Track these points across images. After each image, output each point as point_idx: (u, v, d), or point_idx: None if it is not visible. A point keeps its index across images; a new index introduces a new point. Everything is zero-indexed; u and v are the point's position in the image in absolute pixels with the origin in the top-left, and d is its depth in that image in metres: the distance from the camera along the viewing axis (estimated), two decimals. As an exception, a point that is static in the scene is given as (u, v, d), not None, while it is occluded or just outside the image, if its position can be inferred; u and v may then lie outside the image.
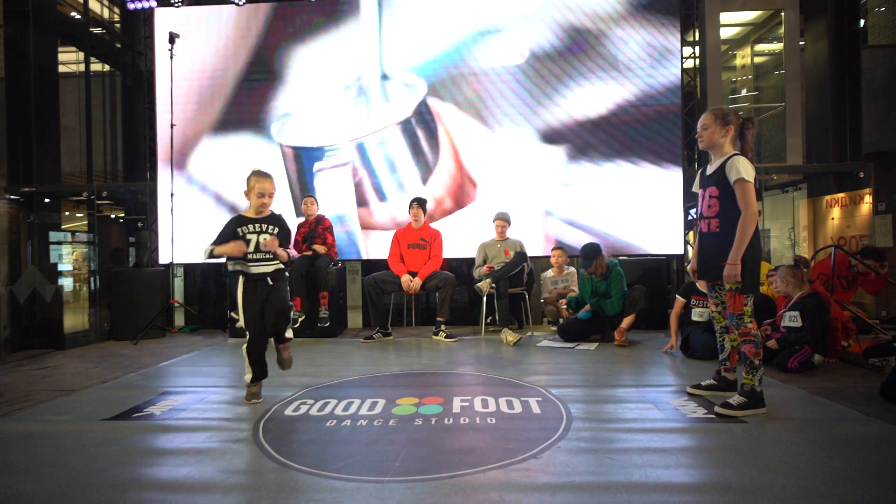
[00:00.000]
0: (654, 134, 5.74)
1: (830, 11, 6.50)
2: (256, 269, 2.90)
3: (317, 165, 5.97)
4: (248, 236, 2.89)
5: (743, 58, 8.64)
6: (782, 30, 6.81)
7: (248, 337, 2.93)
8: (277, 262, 2.94)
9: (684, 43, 5.88)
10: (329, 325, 5.08)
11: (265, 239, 2.89)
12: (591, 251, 4.60)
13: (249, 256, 2.88)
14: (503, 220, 5.22)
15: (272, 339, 3.00)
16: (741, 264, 2.58)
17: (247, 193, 2.94)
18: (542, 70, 5.85)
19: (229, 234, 2.90)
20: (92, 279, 7.56)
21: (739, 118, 2.70)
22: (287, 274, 3.05)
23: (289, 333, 3.03)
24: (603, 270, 4.57)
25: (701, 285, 4.00)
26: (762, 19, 7.73)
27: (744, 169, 2.57)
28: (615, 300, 4.53)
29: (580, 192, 5.81)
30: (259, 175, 2.91)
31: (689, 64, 6.10)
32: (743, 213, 2.57)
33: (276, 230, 2.96)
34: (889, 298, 6.01)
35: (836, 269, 4.68)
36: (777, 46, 7.71)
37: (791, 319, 3.65)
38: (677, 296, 4.22)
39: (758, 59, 8.63)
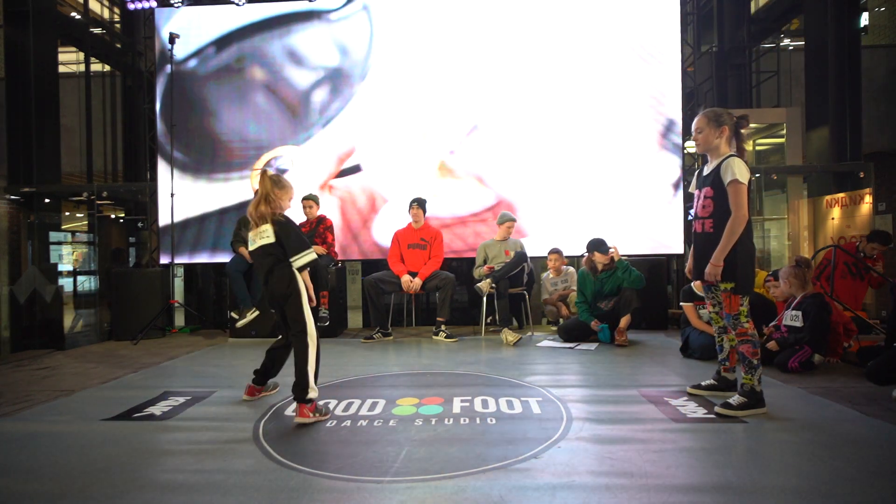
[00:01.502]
0: (654, 133, 5.74)
1: (830, 11, 6.51)
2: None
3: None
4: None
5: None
6: (784, 130, 7.08)
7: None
8: None
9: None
10: (329, 325, 5.08)
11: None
12: (602, 241, 4.61)
13: None
14: (513, 220, 5.21)
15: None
16: (736, 265, 2.58)
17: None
18: (542, 70, 5.85)
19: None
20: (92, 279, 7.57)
21: (733, 117, 2.70)
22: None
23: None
24: (615, 263, 4.58)
25: (696, 286, 4.00)
26: (764, 125, 7.93)
27: (738, 171, 2.57)
28: (636, 277, 4.50)
29: (580, 191, 5.80)
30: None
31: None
32: (733, 215, 2.56)
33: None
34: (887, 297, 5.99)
35: (843, 255, 4.66)
36: (779, 140, 7.88)
37: (793, 319, 3.64)
38: (682, 304, 4.16)
39: (759, 148, 8.81)
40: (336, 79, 6.01)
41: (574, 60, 5.83)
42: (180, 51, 5.93)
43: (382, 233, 5.85)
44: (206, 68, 6.09)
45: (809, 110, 6.96)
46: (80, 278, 8.58)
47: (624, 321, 4.49)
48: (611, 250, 4.56)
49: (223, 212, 5.99)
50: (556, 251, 5.50)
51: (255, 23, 6.06)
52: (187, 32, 6.00)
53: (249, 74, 6.06)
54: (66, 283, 8.22)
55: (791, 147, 7.13)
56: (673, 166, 5.75)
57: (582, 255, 4.91)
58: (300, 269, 2.74)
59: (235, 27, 6.07)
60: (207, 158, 6.07)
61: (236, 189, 6.00)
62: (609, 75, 5.80)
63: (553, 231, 5.80)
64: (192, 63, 6.07)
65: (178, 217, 5.87)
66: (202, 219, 6.02)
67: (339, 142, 5.96)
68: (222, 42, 6.07)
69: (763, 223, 8.20)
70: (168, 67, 5.93)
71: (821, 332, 3.56)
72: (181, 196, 5.84)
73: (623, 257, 4.69)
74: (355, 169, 5.95)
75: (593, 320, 4.59)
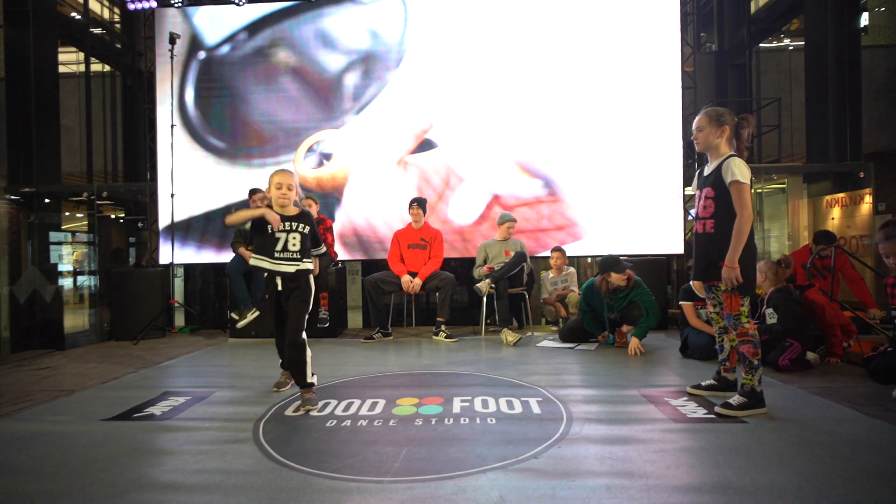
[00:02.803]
0: (654, 133, 5.74)
1: (830, 11, 6.51)
2: (278, 267, 2.83)
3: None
4: (278, 234, 2.83)
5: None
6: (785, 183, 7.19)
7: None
8: (302, 262, 2.88)
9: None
10: (329, 326, 5.08)
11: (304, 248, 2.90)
12: (617, 260, 4.30)
13: (276, 255, 2.83)
14: (513, 221, 5.20)
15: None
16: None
17: (267, 191, 2.92)
18: (541, 67, 5.85)
19: (257, 221, 2.83)
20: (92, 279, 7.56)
21: (734, 117, 2.69)
22: (311, 281, 2.94)
23: (311, 378, 2.85)
24: (633, 282, 4.31)
25: (696, 286, 3.99)
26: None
27: (739, 171, 2.56)
28: (652, 314, 4.19)
29: (580, 191, 5.80)
30: (278, 171, 2.90)
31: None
32: (739, 215, 2.56)
33: (307, 228, 2.91)
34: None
35: (805, 259, 4.71)
36: (780, 185, 7.92)
37: (770, 317, 3.65)
38: (681, 303, 4.14)
39: (760, 191, 8.88)
40: (370, 64, 6.01)
41: (574, 59, 5.83)
42: (213, 36, 6.00)
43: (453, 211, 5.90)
44: (239, 53, 6.10)
45: (809, 110, 6.96)
46: (79, 278, 8.59)
47: (627, 327, 4.43)
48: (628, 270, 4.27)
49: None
50: (558, 249, 5.49)
51: (286, 8, 6.07)
52: (221, 17, 6.05)
53: (282, 60, 6.05)
54: (66, 283, 8.22)
55: (791, 189, 7.22)
56: (673, 166, 5.75)
57: (582, 257, 4.87)
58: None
59: (266, 12, 6.08)
60: (243, 143, 6.09)
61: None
62: (609, 75, 5.79)
63: (553, 231, 5.80)
64: (225, 49, 6.09)
65: (209, 206, 5.92)
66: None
67: (378, 126, 5.95)
68: (254, 28, 6.07)
69: (763, 223, 8.22)
70: (201, 54, 6.02)
71: (793, 321, 3.54)
72: (215, 181, 5.89)
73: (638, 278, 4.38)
74: (429, 145, 5.94)
75: (602, 334, 4.52)
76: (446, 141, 5.91)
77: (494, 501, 1.76)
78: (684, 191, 5.72)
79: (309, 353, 2.87)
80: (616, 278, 4.23)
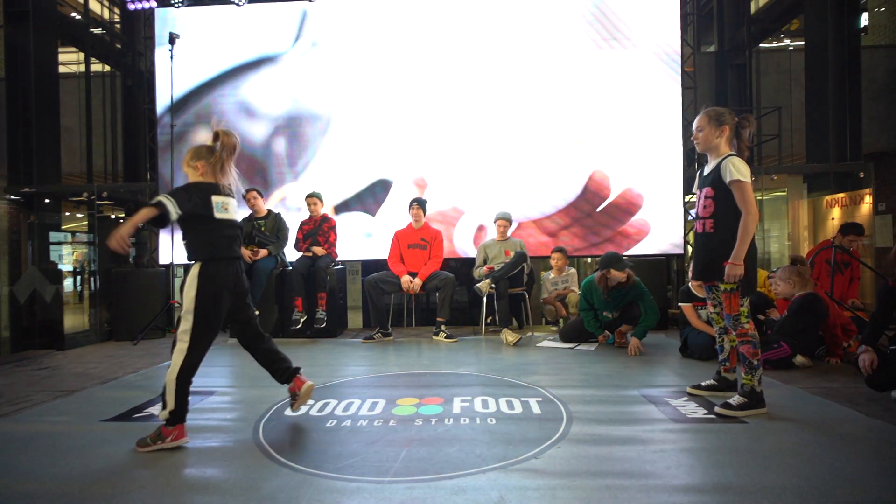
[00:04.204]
0: (655, 132, 5.75)
1: (830, 11, 6.51)
2: None
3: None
4: None
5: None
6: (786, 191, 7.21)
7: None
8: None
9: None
10: (328, 326, 5.08)
11: None
12: (619, 257, 4.29)
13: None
14: (505, 219, 5.22)
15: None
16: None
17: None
18: (540, 66, 5.86)
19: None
20: (92, 279, 7.56)
21: (734, 117, 2.69)
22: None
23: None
24: (632, 281, 4.32)
25: (694, 286, 3.99)
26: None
27: (738, 169, 2.55)
28: (651, 313, 4.22)
29: (578, 191, 5.80)
30: None
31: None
32: (744, 214, 2.55)
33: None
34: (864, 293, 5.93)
35: (825, 254, 4.72)
36: (781, 193, 7.89)
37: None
38: (680, 304, 4.13)
39: (760, 198, 8.87)
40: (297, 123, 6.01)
41: (575, 60, 5.83)
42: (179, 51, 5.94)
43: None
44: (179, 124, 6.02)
45: (809, 110, 6.95)
46: (79, 278, 8.59)
47: (626, 326, 4.44)
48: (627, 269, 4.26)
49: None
50: (559, 250, 5.49)
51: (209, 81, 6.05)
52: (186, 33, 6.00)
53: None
54: (67, 283, 8.22)
55: (791, 189, 7.22)
56: (673, 167, 5.75)
57: (582, 257, 4.88)
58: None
59: (187, 90, 6.05)
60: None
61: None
62: (609, 74, 5.80)
63: (551, 231, 5.80)
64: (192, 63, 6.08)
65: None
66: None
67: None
68: (178, 105, 5.99)
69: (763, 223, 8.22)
70: (167, 67, 5.94)
71: (797, 327, 3.54)
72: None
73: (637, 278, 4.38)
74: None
75: (601, 334, 4.51)
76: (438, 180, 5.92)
77: (494, 501, 1.76)
78: (684, 192, 5.71)
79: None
80: (616, 275, 4.22)
